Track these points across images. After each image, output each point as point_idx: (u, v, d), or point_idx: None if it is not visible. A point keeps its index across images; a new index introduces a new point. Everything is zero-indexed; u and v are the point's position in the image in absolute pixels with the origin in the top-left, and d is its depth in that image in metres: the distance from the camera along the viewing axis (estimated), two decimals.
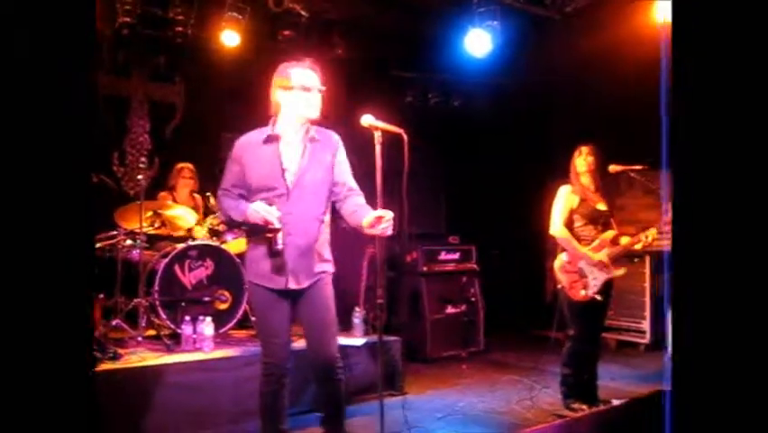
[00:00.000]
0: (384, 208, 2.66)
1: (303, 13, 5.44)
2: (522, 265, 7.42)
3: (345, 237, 3.80)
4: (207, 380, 3.75)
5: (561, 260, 3.99)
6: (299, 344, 3.12)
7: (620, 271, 3.99)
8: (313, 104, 2.82)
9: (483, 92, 7.11)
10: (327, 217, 2.93)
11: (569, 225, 3.98)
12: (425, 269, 5.87)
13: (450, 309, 5.87)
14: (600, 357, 4.19)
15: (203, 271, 4.42)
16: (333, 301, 2.91)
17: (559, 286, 4.02)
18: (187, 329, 4.06)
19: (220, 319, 4.33)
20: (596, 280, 3.91)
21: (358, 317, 4.66)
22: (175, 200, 5.01)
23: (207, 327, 4.05)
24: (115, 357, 3.73)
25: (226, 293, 4.47)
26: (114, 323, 4.19)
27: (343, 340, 3.91)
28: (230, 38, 5.36)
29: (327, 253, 2.93)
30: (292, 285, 2.79)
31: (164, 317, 4.25)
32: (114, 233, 4.45)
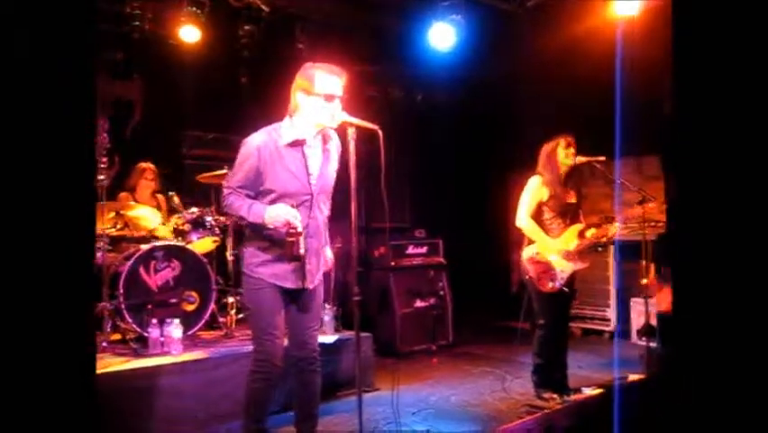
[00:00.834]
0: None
1: (264, 7, 5.38)
2: (487, 257, 7.48)
3: None
4: (176, 384, 3.66)
5: (529, 251, 4.02)
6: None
7: (585, 264, 4.07)
8: (334, 114, 2.71)
9: (446, 86, 7.12)
10: None
11: (537, 216, 4.01)
12: (393, 264, 5.87)
13: (419, 303, 5.87)
14: (567, 346, 4.26)
15: (169, 272, 4.32)
16: None
17: (526, 277, 4.03)
18: (154, 332, 3.96)
19: (188, 321, 4.23)
20: (563, 272, 3.96)
21: (328, 314, 4.62)
22: (136, 201, 4.89)
23: (175, 329, 3.96)
24: None
25: (194, 294, 4.38)
26: None
27: None
28: (189, 33, 5.25)
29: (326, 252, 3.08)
30: (309, 285, 2.86)
31: (130, 320, 4.13)
32: None
